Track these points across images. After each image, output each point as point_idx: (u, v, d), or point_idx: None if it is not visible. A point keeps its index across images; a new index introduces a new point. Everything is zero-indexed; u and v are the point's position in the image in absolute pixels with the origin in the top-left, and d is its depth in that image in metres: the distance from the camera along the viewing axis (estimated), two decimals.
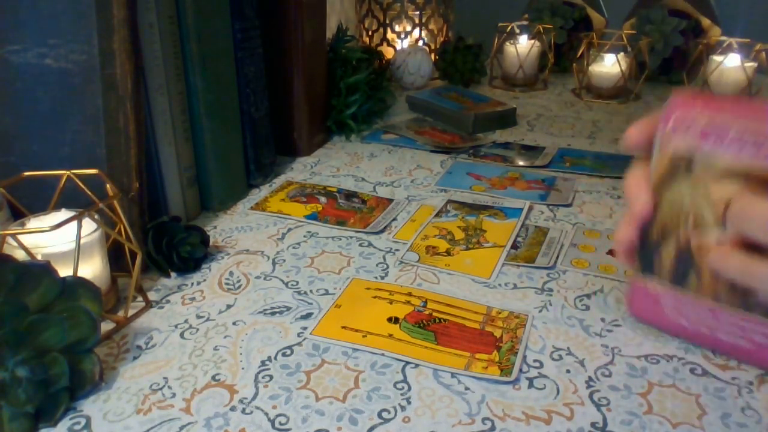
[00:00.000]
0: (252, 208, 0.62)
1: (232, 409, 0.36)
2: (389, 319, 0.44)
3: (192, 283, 0.49)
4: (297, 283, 0.49)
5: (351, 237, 0.57)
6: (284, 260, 0.52)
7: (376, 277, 0.50)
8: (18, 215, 0.47)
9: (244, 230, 0.58)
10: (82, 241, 0.41)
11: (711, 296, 0.39)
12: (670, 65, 1.15)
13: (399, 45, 1.19)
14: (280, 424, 0.35)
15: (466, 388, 0.38)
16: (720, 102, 0.37)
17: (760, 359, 0.39)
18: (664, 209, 0.39)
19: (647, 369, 0.39)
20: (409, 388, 0.37)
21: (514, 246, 0.55)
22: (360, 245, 0.55)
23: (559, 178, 0.70)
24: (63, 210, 0.45)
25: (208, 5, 0.56)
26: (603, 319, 0.44)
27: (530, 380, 0.38)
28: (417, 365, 0.39)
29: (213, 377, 0.38)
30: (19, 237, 0.39)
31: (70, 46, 0.46)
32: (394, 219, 0.60)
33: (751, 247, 0.34)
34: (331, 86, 0.82)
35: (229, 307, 0.46)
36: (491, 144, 0.82)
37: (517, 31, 1.13)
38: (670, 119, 0.37)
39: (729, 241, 0.36)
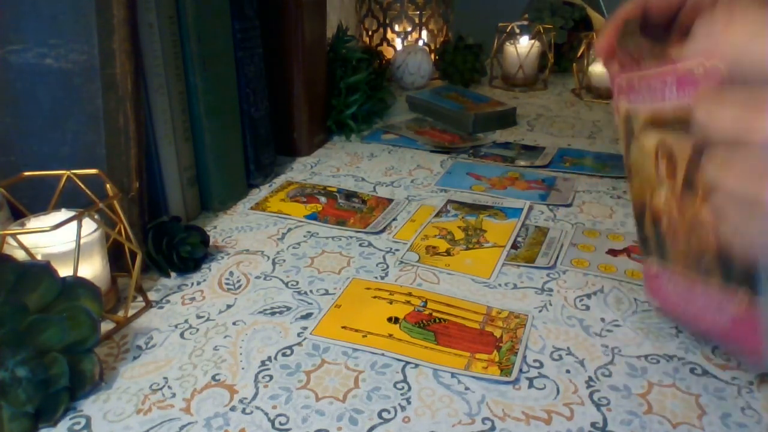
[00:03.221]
0: (252, 208, 0.62)
1: (232, 409, 0.36)
2: (389, 319, 0.44)
3: (192, 283, 0.49)
4: (297, 283, 0.49)
5: (351, 237, 0.57)
6: (284, 260, 0.52)
7: (376, 277, 0.50)
8: (18, 215, 0.47)
9: (244, 230, 0.58)
10: (82, 241, 0.41)
11: (681, 265, 0.35)
12: None
13: (399, 45, 1.19)
14: (280, 424, 0.35)
15: (466, 388, 0.38)
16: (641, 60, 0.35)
17: (731, 338, 0.35)
18: (634, 180, 0.37)
19: (647, 369, 0.39)
20: (409, 388, 0.37)
21: (514, 246, 0.55)
22: (360, 245, 0.55)
23: (559, 178, 0.70)
24: (63, 210, 0.45)
25: (208, 5, 0.56)
26: (603, 319, 0.44)
27: (530, 380, 0.38)
28: (417, 365, 0.39)
29: (213, 377, 0.38)
30: (19, 237, 0.39)
31: (70, 46, 0.46)
32: (394, 219, 0.60)
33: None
34: (331, 86, 0.82)
35: (229, 307, 0.46)
36: (491, 144, 0.82)
37: (517, 31, 1.13)
38: (614, 86, 0.36)
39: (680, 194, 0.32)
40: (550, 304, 0.46)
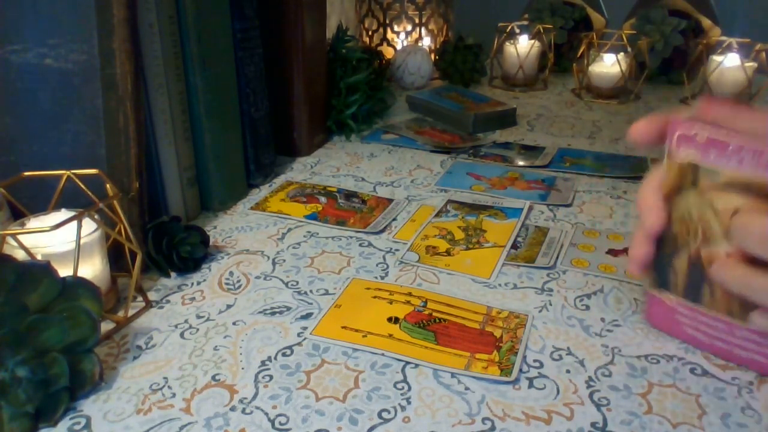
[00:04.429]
0: (252, 208, 0.62)
1: (232, 409, 0.36)
2: (389, 319, 0.44)
3: (192, 283, 0.49)
4: (297, 283, 0.49)
5: (351, 237, 0.57)
6: (284, 260, 0.53)
7: (376, 277, 0.50)
8: (18, 215, 0.47)
9: (244, 230, 0.58)
10: (82, 241, 0.41)
11: (725, 311, 0.38)
12: (670, 65, 1.15)
13: (399, 45, 1.19)
14: (280, 424, 0.35)
15: (466, 388, 0.38)
16: (721, 113, 0.37)
17: None
18: (675, 221, 0.39)
19: (647, 369, 0.39)
20: (409, 388, 0.38)
21: (514, 246, 0.55)
22: (360, 245, 0.55)
23: (559, 178, 0.70)
24: (63, 210, 0.45)
25: (208, 5, 0.56)
26: (603, 319, 0.44)
27: (530, 380, 0.38)
28: (417, 365, 0.39)
29: (213, 377, 0.38)
30: (19, 237, 0.39)
31: (70, 46, 0.46)
32: (394, 219, 0.60)
33: (754, 261, 0.34)
34: (331, 86, 0.82)
35: (229, 307, 0.46)
36: (491, 144, 0.82)
37: (517, 31, 1.12)
38: (675, 131, 0.37)
39: (733, 253, 0.36)
40: (550, 304, 0.46)
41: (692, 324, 0.41)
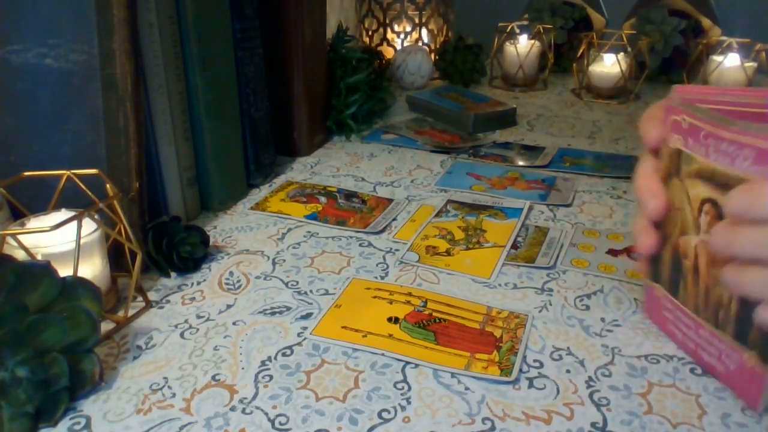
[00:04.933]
0: (252, 208, 0.62)
1: (232, 409, 0.36)
2: (389, 319, 0.44)
3: (192, 283, 0.49)
4: (297, 283, 0.49)
5: (351, 237, 0.57)
6: (284, 260, 0.53)
7: (376, 277, 0.50)
8: (18, 215, 0.47)
9: (244, 230, 0.58)
10: (82, 241, 0.41)
11: (692, 307, 0.38)
12: (670, 65, 1.15)
13: (399, 45, 1.19)
14: (280, 424, 0.35)
15: (466, 388, 0.38)
16: (705, 99, 0.36)
17: (730, 383, 0.37)
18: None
19: (647, 369, 0.39)
20: (409, 388, 0.38)
21: (514, 246, 0.55)
22: (360, 245, 0.55)
23: (559, 178, 0.70)
24: (63, 210, 0.45)
25: (208, 5, 0.56)
26: (603, 319, 0.44)
27: (530, 380, 0.38)
28: (417, 365, 0.39)
29: (213, 377, 0.38)
30: (19, 237, 0.39)
31: (70, 46, 0.46)
32: (394, 219, 0.60)
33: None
34: (331, 86, 0.82)
35: (229, 307, 0.46)
36: (491, 144, 0.82)
37: (517, 31, 1.13)
38: (669, 117, 0.37)
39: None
40: (550, 304, 0.46)
41: (672, 318, 0.41)
